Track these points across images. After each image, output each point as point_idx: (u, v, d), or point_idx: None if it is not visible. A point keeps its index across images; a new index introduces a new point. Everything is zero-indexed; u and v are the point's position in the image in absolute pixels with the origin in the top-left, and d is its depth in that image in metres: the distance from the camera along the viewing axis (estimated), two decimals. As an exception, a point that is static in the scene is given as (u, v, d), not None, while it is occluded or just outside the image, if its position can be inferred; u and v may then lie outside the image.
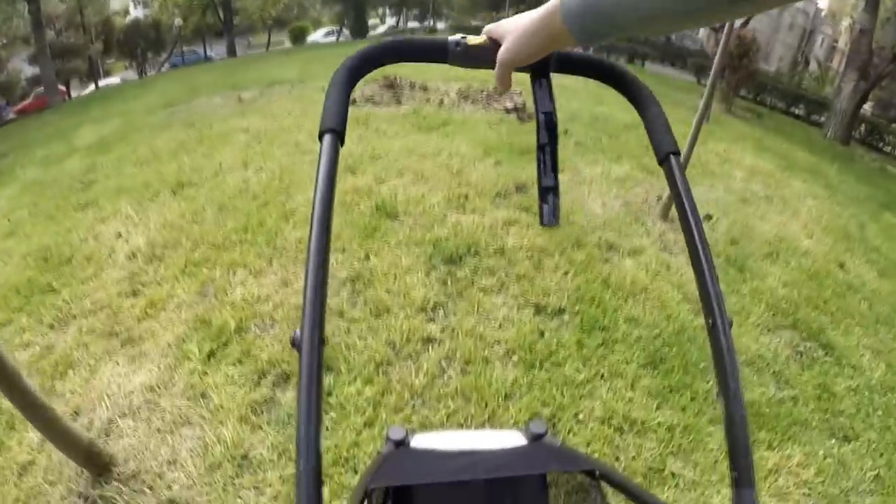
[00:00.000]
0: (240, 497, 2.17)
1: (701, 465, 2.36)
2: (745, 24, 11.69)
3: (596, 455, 2.40)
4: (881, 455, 2.73)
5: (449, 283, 3.26)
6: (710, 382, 2.94)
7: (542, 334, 3.02)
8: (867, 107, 14.41)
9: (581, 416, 2.53)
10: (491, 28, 0.69)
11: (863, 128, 14.39)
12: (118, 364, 2.90)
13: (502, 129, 5.35)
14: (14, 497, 2.25)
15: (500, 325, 3.05)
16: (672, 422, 2.62)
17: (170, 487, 2.22)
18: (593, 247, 3.75)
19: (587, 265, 3.56)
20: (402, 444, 1.01)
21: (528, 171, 4.46)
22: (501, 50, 0.66)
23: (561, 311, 3.20)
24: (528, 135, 5.29)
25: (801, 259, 4.72)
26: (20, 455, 2.43)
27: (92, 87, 21.28)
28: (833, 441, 2.75)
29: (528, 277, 3.36)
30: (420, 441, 1.15)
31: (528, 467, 0.97)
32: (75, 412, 2.63)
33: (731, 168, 6.49)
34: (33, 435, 2.48)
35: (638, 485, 0.86)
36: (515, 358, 2.88)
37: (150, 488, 2.22)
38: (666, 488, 2.31)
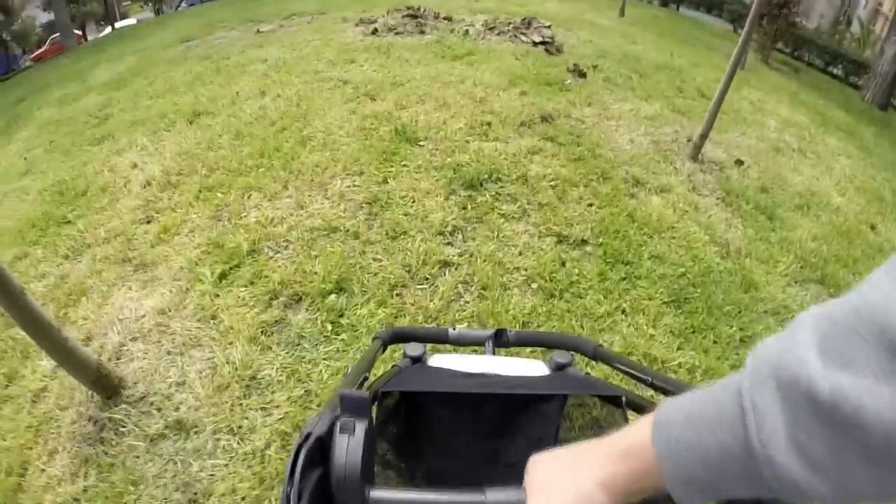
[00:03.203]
0: (246, 418, 2.16)
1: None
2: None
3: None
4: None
5: (468, 207, 3.14)
6: (734, 327, 2.85)
7: (563, 264, 2.92)
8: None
9: (600, 351, 2.44)
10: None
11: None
12: (130, 289, 2.86)
13: (529, 60, 5.07)
14: (27, 424, 2.26)
15: (520, 252, 2.94)
16: (693, 363, 2.54)
17: (177, 408, 2.21)
18: (620, 181, 3.58)
19: (612, 198, 3.41)
20: (418, 360, 1.04)
21: (555, 102, 4.25)
22: None
23: (584, 242, 3.08)
24: (557, 67, 5.04)
25: (832, 215, 4.55)
26: (33, 383, 2.43)
27: (108, 29, 20.85)
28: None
29: (551, 206, 3.22)
30: (438, 361, 1.08)
31: (547, 389, 0.98)
32: (87, 338, 2.60)
33: (764, 117, 6.18)
34: (46, 363, 2.47)
35: None
36: (535, 286, 2.78)
37: (158, 409, 2.22)
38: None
